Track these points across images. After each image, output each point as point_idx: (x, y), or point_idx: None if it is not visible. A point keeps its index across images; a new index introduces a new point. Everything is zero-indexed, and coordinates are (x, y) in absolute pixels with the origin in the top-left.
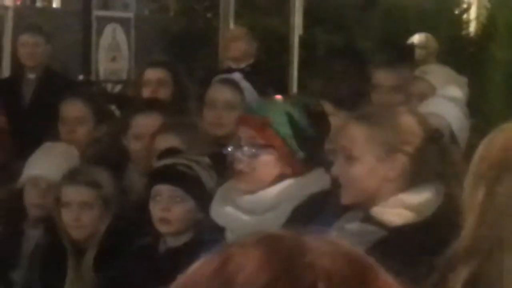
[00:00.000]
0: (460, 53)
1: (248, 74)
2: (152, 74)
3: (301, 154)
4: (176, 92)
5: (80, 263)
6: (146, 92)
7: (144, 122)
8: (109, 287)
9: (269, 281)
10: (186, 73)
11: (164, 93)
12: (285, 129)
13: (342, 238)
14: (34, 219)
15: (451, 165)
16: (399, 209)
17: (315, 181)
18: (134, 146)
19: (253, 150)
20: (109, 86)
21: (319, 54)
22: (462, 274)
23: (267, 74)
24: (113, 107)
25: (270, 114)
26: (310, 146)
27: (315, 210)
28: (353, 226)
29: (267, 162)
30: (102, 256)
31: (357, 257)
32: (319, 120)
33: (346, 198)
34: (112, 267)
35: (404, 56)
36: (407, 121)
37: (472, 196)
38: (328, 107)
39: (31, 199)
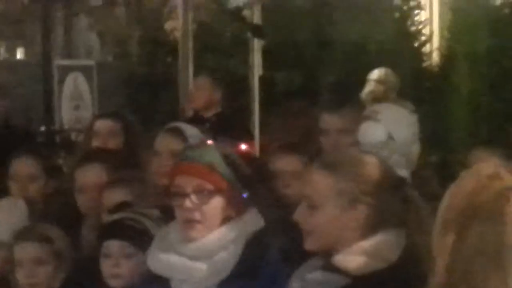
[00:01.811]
0: (422, 86)
1: (215, 124)
2: (102, 124)
3: (246, 194)
4: (127, 143)
5: None
6: (96, 143)
7: (85, 174)
8: None
9: None
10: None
11: (114, 144)
12: (227, 171)
13: (304, 286)
14: None
15: (414, 211)
16: (362, 256)
17: (254, 220)
18: (79, 199)
19: (203, 197)
20: (73, 135)
21: (279, 94)
22: None
23: (230, 119)
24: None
25: (211, 159)
26: (247, 185)
27: (263, 248)
28: (316, 275)
29: (217, 206)
30: None
31: None
32: (249, 158)
33: (309, 244)
34: None
35: (348, 97)
36: (370, 170)
37: (441, 243)
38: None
39: None
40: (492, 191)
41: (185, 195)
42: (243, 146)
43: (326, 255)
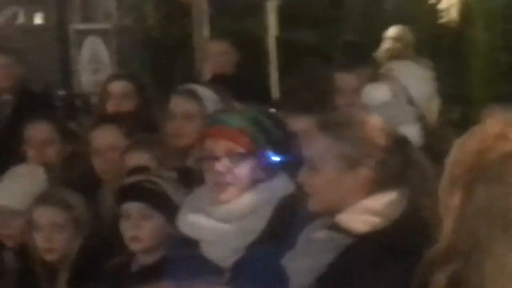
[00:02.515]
0: (439, 43)
1: (232, 86)
2: (115, 86)
3: (274, 158)
4: (140, 104)
5: (54, 286)
6: (110, 105)
7: (100, 136)
8: None
9: None
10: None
11: (128, 105)
12: (258, 135)
13: (310, 246)
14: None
15: (416, 170)
16: (364, 215)
17: (284, 184)
18: (95, 162)
19: (234, 160)
20: (93, 99)
21: (295, 54)
22: (441, 278)
23: (249, 80)
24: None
25: (242, 123)
26: (280, 149)
27: (292, 213)
28: (320, 234)
29: (248, 170)
30: (75, 278)
31: None
32: (279, 124)
33: (312, 205)
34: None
35: (364, 57)
36: (371, 132)
37: (448, 200)
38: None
39: None
40: (498, 152)
41: (216, 158)
42: (272, 110)
43: (330, 215)
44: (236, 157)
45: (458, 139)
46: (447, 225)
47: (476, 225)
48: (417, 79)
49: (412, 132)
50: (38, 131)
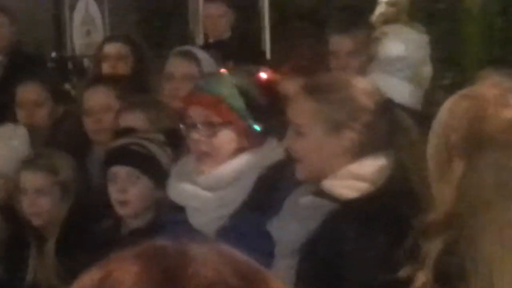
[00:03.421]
0: (433, 8)
1: (227, 47)
2: (111, 48)
3: (256, 126)
4: (136, 67)
5: (43, 250)
6: (105, 68)
7: (93, 96)
8: (72, 273)
9: None
10: (160, 44)
11: (124, 67)
12: (238, 103)
13: (296, 212)
14: None
15: (403, 134)
16: (350, 180)
17: (271, 152)
18: (86, 122)
19: (211, 129)
20: (85, 61)
21: (289, 16)
22: (437, 243)
23: (243, 42)
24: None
25: (221, 90)
26: (263, 117)
27: (276, 180)
28: (306, 200)
29: (226, 139)
30: (64, 241)
31: (245, 266)
32: (267, 88)
33: (299, 173)
34: (74, 252)
35: (358, 19)
36: (357, 95)
37: (445, 167)
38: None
39: None
40: (502, 119)
41: (193, 126)
42: (263, 75)
43: (317, 181)
44: (212, 126)
45: (446, 103)
46: (445, 193)
47: (478, 194)
48: (412, 43)
49: (415, 93)
50: (29, 92)
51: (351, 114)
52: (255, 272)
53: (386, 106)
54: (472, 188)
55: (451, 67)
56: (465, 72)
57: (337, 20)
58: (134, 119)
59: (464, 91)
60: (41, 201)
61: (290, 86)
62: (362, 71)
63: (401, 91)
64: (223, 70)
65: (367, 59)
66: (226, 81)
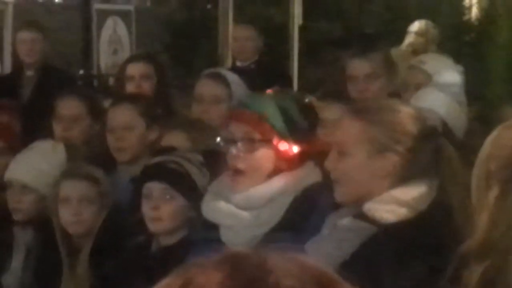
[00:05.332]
0: (461, 40)
1: (254, 71)
2: (134, 68)
3: (295, 148)
4: (159, 86)
5: (75, 261)
6: (129, 87)
7: (116, 115)
8: (103, 286)
9: None
10: (187, 66)
11: (147, 86)
12: (280, 123)
13: (335, 233)
14: (21, 221)
15: (446, 162)
16: (391, 205)
17: (308, 175)
18: (109, 140)
19: (250, 146)
20: (111, 80)
21: (318, 43)
22: (476, 271)
23: (270, 67)
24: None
25: (264, 109)
26: (303, 139)
27: (312, 203)
28: (345, 221)
29: (264, 157)
30: (97, 253)
31: (325, 276)
32: (309, 113)
33: (339, 195)
34: (106, 266)
35: (374, 44)
36: (402, 119)
37: (484, 197)
38: (314, 100)
39: (10, 203)
40: None
41: (233, 142)
42: (305, 98)
43: (357, 204)
44: (251, 143)
45: (491, 135)
46: (482, 220)
47: (510, 221)
48: (451, 71)
49: (460, 117)
50: (68, 107)
51: (396, 137)
52: (334, 282)
53: (431, 133)
54: (506, 213)
55: (477, 100)
56: (491, 104)
57: (355, 45)
58: (176, 138)
59: (507, 122)
60: (83, 209)
61: (329, 110)
62: (382, 95)
63: (453, 110)
64: (268, 91)
65: (386, 83)
66: (270, 100)
